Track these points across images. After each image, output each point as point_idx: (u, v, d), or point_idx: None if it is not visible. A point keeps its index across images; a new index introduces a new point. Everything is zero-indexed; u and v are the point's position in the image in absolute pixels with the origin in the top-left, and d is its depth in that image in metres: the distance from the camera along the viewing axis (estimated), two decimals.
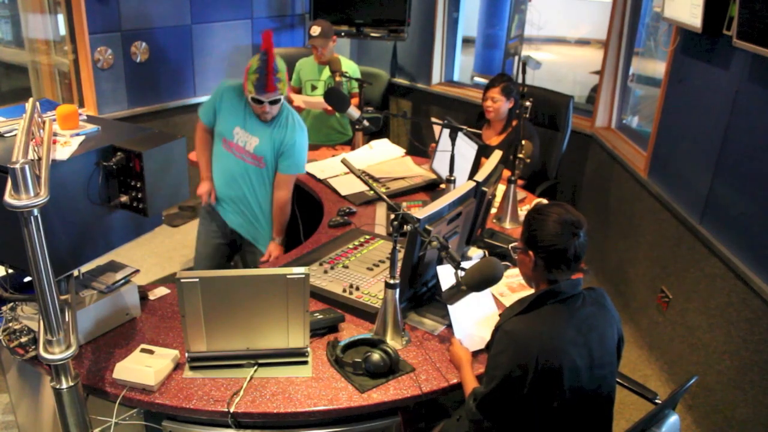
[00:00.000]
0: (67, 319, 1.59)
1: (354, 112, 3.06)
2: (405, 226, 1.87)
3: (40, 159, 1.51)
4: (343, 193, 3.08)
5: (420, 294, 2.17)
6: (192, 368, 1.81)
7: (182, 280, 1.68)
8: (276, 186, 2.83)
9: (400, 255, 1.93)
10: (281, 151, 2.76)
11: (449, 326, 2.00)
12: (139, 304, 2.08)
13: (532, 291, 1.77)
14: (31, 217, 1.35)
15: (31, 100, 1.73)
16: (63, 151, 1.69)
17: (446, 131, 2.93)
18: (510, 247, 1.82)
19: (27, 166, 1.33)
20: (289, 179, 2.83)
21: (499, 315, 1.80)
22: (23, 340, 1.80)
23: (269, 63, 2.53)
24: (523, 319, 1.65)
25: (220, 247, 3.03)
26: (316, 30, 3.74)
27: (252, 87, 2.57)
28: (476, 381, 1.78)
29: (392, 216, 2.03)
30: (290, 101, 3.93)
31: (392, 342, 1.93)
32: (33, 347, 1.79)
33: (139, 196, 1.78)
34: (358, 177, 2.20)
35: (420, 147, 3.71)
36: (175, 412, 1.72)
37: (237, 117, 2.74)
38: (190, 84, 4.59)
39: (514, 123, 3.35)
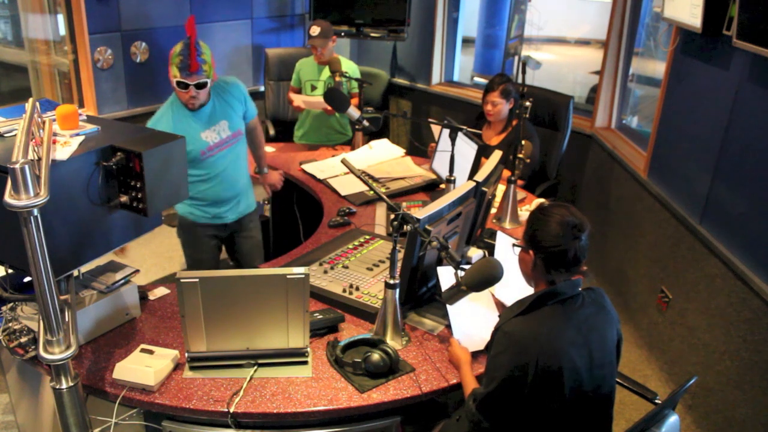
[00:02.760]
0: (67, 319, 1.59)
1: (354, 112, 3.06)
2: (405, 226, 1.87)
3: (39, 159, 1.51)
4: (343, 193, 3.08)
5: (420, 294, 2.17)
6: (192, 368, 1.81)
7: (182, 280, 1.68)
8: (251, 130, 2.98)
9: (400, 255, 1.93)
10: (244, 108, 2.87)
11: (449, 326, 2.00)
12: (139, 304, 2.08)
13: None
14: (31, 217, 1.35)
15: (31, 100, 1.73)
16: (63, 151, 1.68)
17: (446, 131, 2.93)
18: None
19: (27, 166, 1.33)
20: (257, 118, 3.03)
21: (499, 316, 1.80)
22: (23, 340, 1.80)
23: (191, 45, 2.52)
24: (523, 319, 1.64)
25: (212, 256, 3.04)
26: (315, 30, 3.74)
27: (177, 70, 2.55)
28: (476, 381, 1.78)
29: (392, 216, 2.04)
30: (290, 101, 3.94)
31: (392, 342, 1.93)
32: (33, 347, 1.79)
33: (139, 196, 1.78)
34: (358, 177, 2.20)
35: (420, 147, 3.71)
36: (175, 412, 1.72)
37: (192, 127, 2.70)
38: None
39: (514, 123, 3.35)
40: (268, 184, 3.18)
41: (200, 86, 2.60)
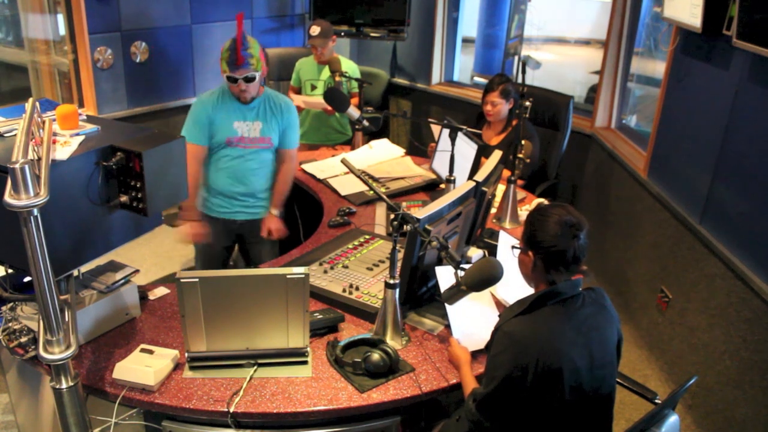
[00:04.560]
0: (66, 319, 1.59)
1: (354, 112, 3.06)
2: (405, 226, 1.87)
3: (39, 159, 1.51)
4: (343, 193, 3.08)
5: (420, 294, 2.17)
6: (192, 368, 1.81)
7: (182, 280, 1.68)
8: (284, 160, 2.95)
9: (400, 255, 1.93)
10: (283, 128, 2.87)
11: (449, 326, 2.00)
12: (139, 304, 2.08)
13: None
14: (31, 217, 1.35)
15: (30, 100, 1.73)
16: (63, 151, 1.68)
17: (446, 131, 2.93)
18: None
19: (27, 166, 1.32)
20: (295, 152, 2.98)
21: (499, 315, 1.80)
22: (23, 340, 1.80)
23: (238, 39, 2.59)
24: (523, 319, 1.64)
25: (223, 251, 3.08)
26: (315, 30, 3.74)
27: (225, 65, 2.64)
28: (475, 381, 1.78)
29: (392, 216, 2.03)
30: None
31: (392, 342, 1.93)
32: (33, 347, 1.79)
33: (139, 196, 1.78)
34: (358, 177, 2.20)
35: (420, 147, 3.71)
36: (174, 412, 1.72)
37: (231, 114, 2.79)
38: (190, 84, 4.59)
39: (514, 123, 3.35)
40: (266, 227, 2.95)
41: (249, 80, 2.67)
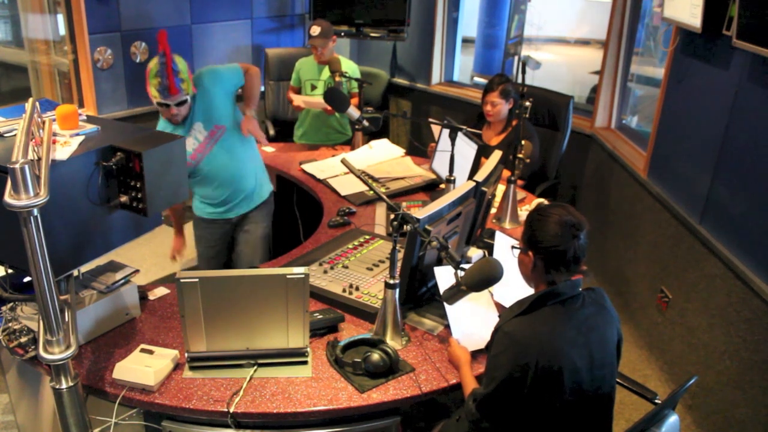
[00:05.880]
0: (66, 319, 1.59)
1: (354, 112, 3.06)
2: (405, 226, 1.87)
3: (39, 159, 1.51)
4: (343, 193, 3.08)
5: (420, 294, 2.17)
6: (192, 368, 1.81)
7: (182, 280, 1.68)
8: (245, 72, 2.80)
9: (400, 255, 1.93)
10: (213, 100, 2.70)
11: (449, 326, 2.00)
12: (139, 304, 2.08)
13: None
14: (31, 217, 1.35)
15: (30, 100, 1.73)
16: (63, 151, 1.69)
17: (446, 131, 2.93)
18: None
19: (27, 166, 1.33)
20: (245, 65, 2.83)
21: (499, 315, 1.80)
22: (23, 340, 1.80)
23: (168, 65, 2.45)
24: (523, 320, 1.64)
25: (223, 250, 3.08)
26: (315, 30, 3.74)
27: (156, 92, 2.50)
28: (475, 381, 1.78)
29: (392, 216, 2.03)
30: (290, 101, 3.94)
31: (392, 342, 1.93)
32: (33, 347, 1.79)
33: (139, 196, 1.78)
34: (358, 177, 2.20)
35: (420, 147, 3.71)
36: (174, 412, 1.72)
37: (179, 132, 2.67)
38: None
39: (514, 123, 3.35)
40: (245, 128, 2.79)
41: (181, 104, 2.57)
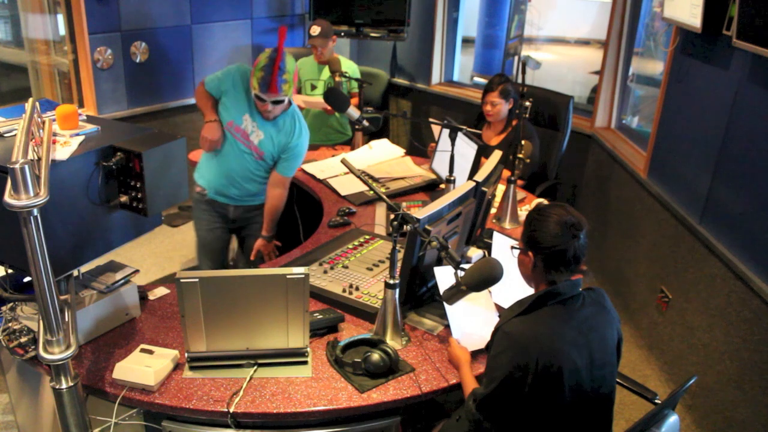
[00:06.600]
0: (66, 319, 1.59)
1: (354, 112, 3.05)
2: (405, 226, 1.87)
3: (39, 159, 1.51)
4: (343, 193, 3.08)
5: (420, 294, 2.17)
6: (192, 368, 1.81)
7: (182, 280, 1.68)
8: (272, 184, 2.86)
9: (400, 255, 1.93)
10: (283, 154, 2.79)
11: (449, 326, 2.00)
12: (139, 304, 2.08)
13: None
14: (31, 217, 1.35)
15: (30, 100, 1.73)
16: (63, 151, 1.69)
17: (446, 131, 2.93)
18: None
19: (27, 166, 1.33)
20: (287, 180, 2.88)
21: (499, 315, 1.80)
22: (23, 340, 1.80)
23: (276, 62, 2.51)
24: (523, 320, 1.64)
25: (222, 234, 3.05)
26: (315, 30, 3.74)
27: (256, 84, 2.56)
28: (475, 381, 1.78)
29: (392, 216, 2.03)
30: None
31: (392, 342, 1.93)
32: (33, 347, 1.79)
33: (139, 196, 1.78)
34: (358, 177, 2.20)
35: (420, 147, 3.71)
36: (174, 412, 1.72)
37: (248, 104, 2.72)
38: (190, 84, 4.59)
39: (514, 123, 3.35)
40: (255, 249, 2.94)
41: (277, 102, 2.62)
